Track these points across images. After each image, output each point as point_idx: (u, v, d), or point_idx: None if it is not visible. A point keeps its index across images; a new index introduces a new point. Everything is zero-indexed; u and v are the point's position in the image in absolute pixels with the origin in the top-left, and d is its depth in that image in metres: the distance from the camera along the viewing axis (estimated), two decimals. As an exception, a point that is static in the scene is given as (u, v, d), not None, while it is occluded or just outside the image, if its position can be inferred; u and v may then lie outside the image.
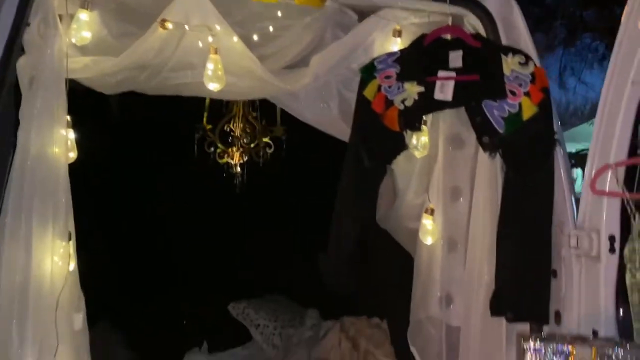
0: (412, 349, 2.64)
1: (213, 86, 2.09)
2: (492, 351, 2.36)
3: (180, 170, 3.45)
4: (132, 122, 3.30)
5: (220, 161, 3.29)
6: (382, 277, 3.46)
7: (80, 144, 2.17)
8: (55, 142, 2.01)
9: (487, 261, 2.37)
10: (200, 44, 2.13)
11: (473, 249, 2.45)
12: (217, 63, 2.07)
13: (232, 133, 3.26)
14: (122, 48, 2.11)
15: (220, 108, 3.19)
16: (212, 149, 3.29)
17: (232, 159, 3.29)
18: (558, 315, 2.23)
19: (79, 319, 2.18)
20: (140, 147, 3.32)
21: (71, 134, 2.11)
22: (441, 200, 2.52)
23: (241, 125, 3.27)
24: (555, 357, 1.57)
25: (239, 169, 3.32)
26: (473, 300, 2.43)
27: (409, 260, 2.66)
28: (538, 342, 1.62)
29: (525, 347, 1.61)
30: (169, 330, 3.54)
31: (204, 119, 3.14)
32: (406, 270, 2.74)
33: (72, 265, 2.08)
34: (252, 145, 3.32)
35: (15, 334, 1.84)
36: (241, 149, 3.29)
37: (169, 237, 3.80)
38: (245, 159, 3.31)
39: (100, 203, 3.26)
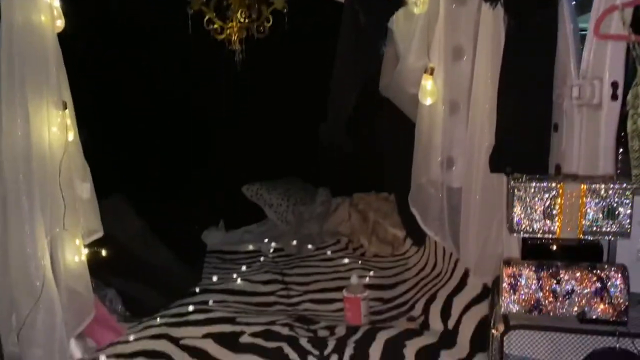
0: (413, 210, 2.70)
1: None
2: (493, 211, 2.39)
3: (179, 48, 3.37)
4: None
5: (218, 37, 3.19)
6: (389, 151, 3.48)
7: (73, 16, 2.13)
8: (41, 10, 1.96)
9: (489, 122, 2.33)
10: None
11: (475, 110, 2.40)
12: None
13: (229, 7, 3.14)
14: None
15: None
16: (210, 25, 3.19)
17: (231, 34, 3.19)
18: (558, 169, 2.21)
19: (87, 188, 2.27)
20: (134, 23, 3.23)
21: (56, 1, 2.05)
22: (442, 61, 2.44)
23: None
24: (545, 194, 1.58)
25: (238, 45, 3.24)
26: (474, 161, 2.42)
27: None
28: (527, 180, 1.62)
29: (514, 187, 1.62)
30: (186, 211, 3.66)
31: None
32: (411, 142, 2.75)
33: (71, 135, 2.12)
34: (250, 20, 3.20)
35: (25, 199, 1.91)
36: (239, 24, 3.18)
37: (177, 118, 3.82)
38: (245, 34, 3.22)
39: (105, 79, 3.23)
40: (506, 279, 1.53)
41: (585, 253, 1.59)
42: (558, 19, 2.10)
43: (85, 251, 2.20)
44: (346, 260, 3.46)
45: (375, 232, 3.71)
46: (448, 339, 2.36)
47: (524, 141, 2.19)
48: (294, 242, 3.78)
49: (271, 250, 3.68)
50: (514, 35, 2.14)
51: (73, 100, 2.22)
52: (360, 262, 3.44)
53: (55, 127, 2.04)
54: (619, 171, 2.03)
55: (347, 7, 2.21)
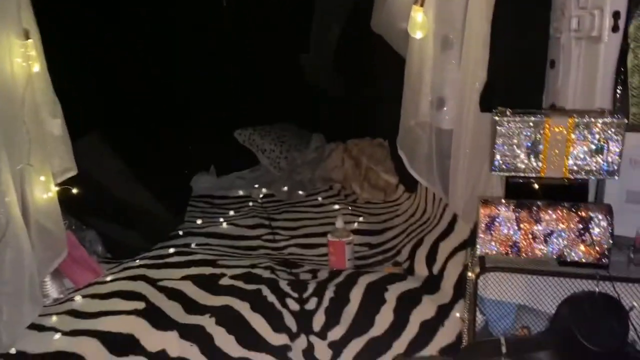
0: (400, 153, 2.60)
1: None
2: (484, 154, 2.28)
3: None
4: None
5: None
6: (382, 93, 3.35)
7: None
8: None
9: (483, 59, 2.19)
10: None
11: (468, 46, 2.25)
12: None
13: None
14: None
15: None
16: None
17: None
18: (553, 108, 2.10)
19: (57, 124, 2.17)
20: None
21: None
22: (434, -8, 2.29)
23: None
24: (529, 129, 1.46)
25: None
26: (466, 101, 2.29)
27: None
28: (511, 115, 1.50)
29: (496, 122, 1.50)
30: (175, 155, 3.58)
31: None
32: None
33: (37, 67, 2.01)
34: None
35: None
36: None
37: (165, 59, 3.68)
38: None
39: (83, 9, 3.06)
40: (483, 219, 1.44)
41: (570, 193, 1.49)
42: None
43: (55, 189, 2.12)
44: (336, 207, 3.39)
45: (368, 178, 3.62)
46: (432, 284, 2.30)
47: (518, 78, 2.06)
48: (285, 188, 3.70)
49: (261, 196, 3.61)
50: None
51: (46, 31, 2.10)
52: (350, 208, 3.36)
53: (19, 58, 1.93)
54: (616, 110, 1.92)
55: None
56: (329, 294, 2.24)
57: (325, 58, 2.25)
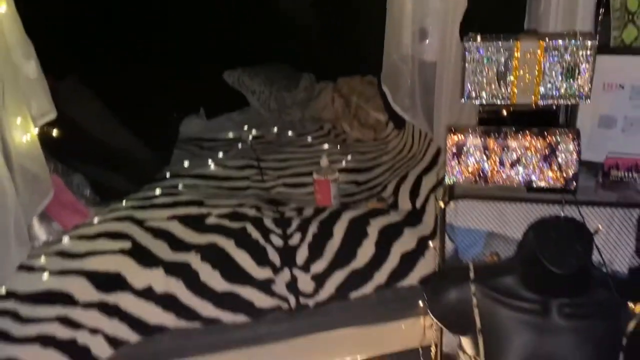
0: (384, 88, 2.56)
1: None
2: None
3: None
4: None
5: None
6: (369, 28, 3.26)
7: None
8: None
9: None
10: None
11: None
12: None
13: None
14: None
15: None
16: None
17: None
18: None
19: (32, 66, 2.14)
20: None
21: None
22: None
23: None
24: (499, 54, 1.43)
25: None
26: (449, 32, 2.23)
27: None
28: (481, 40, 1.46)
29: (467, 47, 1.46)
30: (162, 98, 3.54)
31: None
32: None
33: (3, 6, 1.96)
34: None
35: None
36: None
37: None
38: None
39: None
40: (450, 147, 1.43)
41: (541, 119, 1.47)
42: None
43: (35, 131, 2.12)
44: (326, 146, 3.37)
45: (358, 117, 3.58)
46: (414, 217, 2.32)
47: (497, 4, 2.01)
48: (275, 129, 3.68)
49: (250, 137, 3.60)
50: None
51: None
52: (339, 147, 3.35)
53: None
54: (598, 34, 1.87)
55: None
56: (312, 229, 2.27)
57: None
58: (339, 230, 2.26)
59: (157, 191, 2.68)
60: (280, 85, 4.09)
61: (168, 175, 2.94)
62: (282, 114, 3.90)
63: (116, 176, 2.70)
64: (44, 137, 2.26)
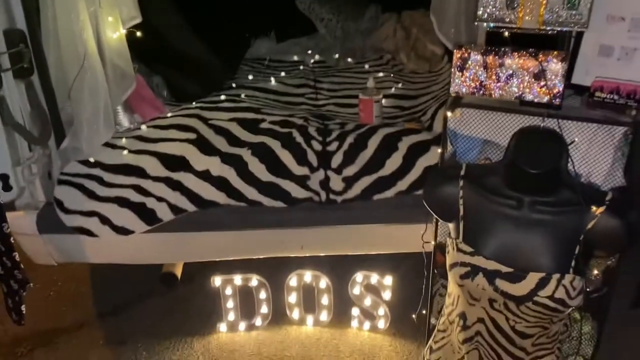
0: (432, 17, 2.74)
1: None
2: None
3: None
4: None
5: None
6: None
7: None
8: None
9: None
10: None
11: None
12: None
13: None
14: None
15: None
16: None
17: None
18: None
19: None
20: None
21: None
22: None
23: None
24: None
25: None
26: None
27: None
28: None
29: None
30: (238, 17, 3.86)
31: None
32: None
33: None
34: None
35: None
36: None
37: None
38: None
39: None
40: (456, 61, 1.66)
41: (543, 43, 1.66)
42: None
43: (123, 30, 2.52)
44: (381, 74, 3.60)
45: (415, 49, 3.76)
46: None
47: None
48: (336, 55, 3.94)
49: (312, 61, 3.88)
50: None
51: None
52: (392, 75, 3.57)
53: None
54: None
55: None
56: (349, 140, 2.57)
57: None
58: (373, 143, 2.55)
59: (222, 97, 3.07)
60: (347, 14, 4.29)
61: (234, 85, 3.32)
62: (347, 41, 4.13)
63: (189, 81, 3.10)
64: (131, 39, 2.66)
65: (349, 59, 3.87)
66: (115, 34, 2.45)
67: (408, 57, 3.76)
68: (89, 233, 2.35)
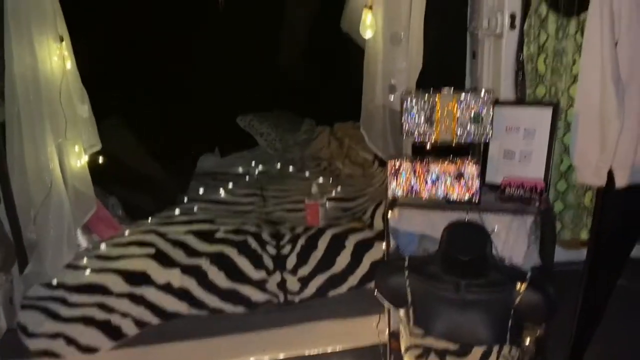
0: (362, 131, 3.14)
1: None
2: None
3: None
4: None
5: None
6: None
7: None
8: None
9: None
10: None
11: (413, 41, 2.77)
12: None
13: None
14: None
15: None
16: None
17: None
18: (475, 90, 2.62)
19: (85, 109, 2.76)
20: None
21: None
22: (384, -2, 2.81)
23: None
24: (426, 104, 1.99)
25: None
26: (412, 87, 2.82)
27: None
28: (413, 94, 2.03)
29: (403, 99, 2.03)
30: (185, 136, 4.16)
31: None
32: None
33: (69, 64, 2.60)
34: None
35: (35, 115, 2.42)
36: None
37: (176, 59, 4.28)
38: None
39: (108, 20, 3.68)
40: (391, 169, 1.98)
41: (458, 152, 2.02)
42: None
43: (85, 158, 2.72)
44: (321, 180, 3.94)
45: (349, 156, 4.16)
46: (384, 234, 2.85)
47: (444, 67, 2.59)
48: (278, 166, 4.27)
49: (257, 172, 4.18)
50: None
51: (80, 38, 2.68)
52: (331, 180, 3.91)
53: (56, 57, 2.51)
54: (519, 93, 2.44)
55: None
56: (301, 242, 2.81)
57: (294, 55, 2.79)
58: (323, 243, 2.80)
59: (177, 211, 3.26)
60: (285, 129, 4.71)
61: (186, 200, 3.53)
62: (286, 153, 4.49)
63: (144, 198, 3.28)
64: (89, 164, 2.85)
65: (290, 168, 4.21)
66: (79, 162, 2.64)
67: (343, 164, 4.15)
68: (54, 355, 2.38)
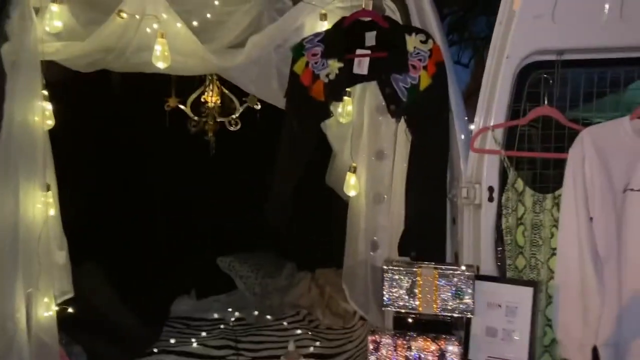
0: (344, 286, 3.10)
1: (161, 65, 2.51)
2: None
3: (159, 140, 3.94)
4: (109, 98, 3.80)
5: (194, 130, 3.75)
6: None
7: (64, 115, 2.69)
8: (35, 112, 2.49)
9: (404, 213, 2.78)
10: (153, 29, 2.55)
11: (395, 201, 2.85)
12: (164, 45, 2.49)
13: (206, 104, 3.70)
14: (89, 34, 2.56)
15: (192, 82, 3.62)
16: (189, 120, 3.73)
17: (207, 129, 3.74)
18: (457, 256, 2.64)
19: (62, 255, 2.71)
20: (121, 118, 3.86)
21: (48, 106, 2.59)
22: (367, 160, 2.93)
23: (215, 98, 3.70)
24: (407, 277, 1.99)
25: (213, 137, 3.78)
26: (394, 244, 2.84)
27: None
28: (395, 265, 2.03)
29: (384, 270, 2.03)
30: (156, 279, 4.06)
31: (172, 93, 3.60)
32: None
33: (52, 211, 2.59)
34: (225, 116, 3.74)
35: (8, 263, 2.36)
36: (214, 119, 3.73)
37: (158, 200, 4.33)
38: (219, 127, 3.76)
39: (90, 167, 3.78)
40: (370, 344, 1.92)
41: (439, 326, 1.98)
42: (450, 133, 2.60)
43: (55, 308, 2.61)
44: (299, 331, 3.80)
45: (329, 306, 4.07)
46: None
47: (425, 231, 2.63)
48: (255, 313, 4.14)
49: (233, 319, 4.04)
50: (416, 146, 2.63)
51: (63, 184, 2.71)
52: (310, 333, 3.78)
53: (40, 204, 2.51)
54: (499, 262, 2.46)
55: (286, 119, 2.74)
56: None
57: (281, 207, 2.86)
58: (298, 408, 2.62)
59: (146, 364, 3.08)
60: (266, 272, 4.64)
61: (156, 350, 3.35)
62: (265, 299, 4.38)
63: (112, 349, 3.11)
64: (58, 311, 2.73)
65: (268, 316, 4.07)
66: (48, 313, 2.53)
67: (323, 314, 4.04)
68: None
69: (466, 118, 2.73)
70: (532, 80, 2.44)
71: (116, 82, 3.87)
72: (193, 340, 3.52)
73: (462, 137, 2.59)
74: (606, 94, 2.50)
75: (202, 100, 3.77)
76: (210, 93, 3.72)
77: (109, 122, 3.94)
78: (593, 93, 2.42)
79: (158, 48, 2.48)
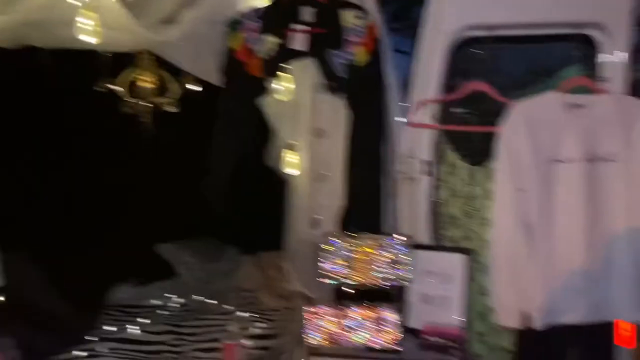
0: (287, 267, 3.10)
1: (90, 39, 2.40)
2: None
3: (93, 123, 3.78)
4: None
5: (129, 111, 3.62)
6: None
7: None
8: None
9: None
10: (83, 1, 2.42)
11: (335, 179, 2.87)
12: (95, 20, 2.37)
13: (139, 85, 3.57)
14: (12, 6, 2.41)
15: (125, 61, 3.48)
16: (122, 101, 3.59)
17: (144, 111, 3.61)
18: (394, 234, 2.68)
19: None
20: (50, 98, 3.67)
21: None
22: (308, 139, 2.93)
23: (150, 77, 3.58)
24: (344, 249, 2.00)
25: (150, 119, 3.67)
26: (336, 222, 2.86)
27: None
28: (333, 237, 2.05)
29: (322, 241, 2.04)
30: (95, 268, 3.91)
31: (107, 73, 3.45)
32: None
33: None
34: (161, 96, 3.63)
35: None
36: (150, 101, 3.61)
37: (93, 186, 4.17)
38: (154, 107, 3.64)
39: (15, 142, 3.58)
40: (308, 316, 1.92)
41: (378, 295, 2.01)
42: (388, 110, 2.64)
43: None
44: (242, 314, 3.75)
45: (274, 288, 4.05)
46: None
47: (364, 206, 2.67)
48: (198, 298, 4.06)
49: (175, 305, 3.95)
50: (355, 123, 2.65)
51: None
52: (254, 315, 3.74)
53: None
54: (435, 234, 2.52)
55: (222, 95, 2.69)
56: (216, 388, 2.60)
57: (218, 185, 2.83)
58: (240, 390, 2.60)
59: (84, 353, 2.96)
60: (208, 257, 4.56)
61: (95, 339, 3.22)
62: (208, 284, 4.31)
63: (44, 338, 2.98)
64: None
65: (211, 301, 4.01)
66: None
67: (268, 296, 4.01)
68: None
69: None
70: (466, 56, 2.51)
71: (45, 60, 3.68)
72: (133, 326, 3.42)
73: (398, 113, 2.63)
74: (539, 72, 2.60)
75: (136, 80, 3.63)
76: (145, 73, 3.59)
77: (39, 105, 3.75)
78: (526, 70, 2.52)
79: (88, 22, 2.37)
